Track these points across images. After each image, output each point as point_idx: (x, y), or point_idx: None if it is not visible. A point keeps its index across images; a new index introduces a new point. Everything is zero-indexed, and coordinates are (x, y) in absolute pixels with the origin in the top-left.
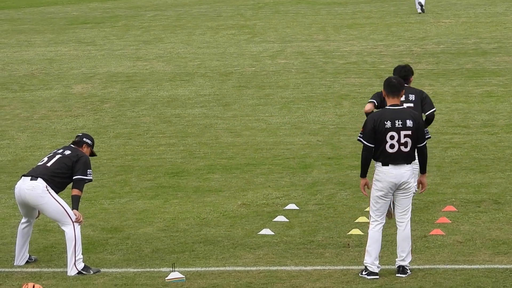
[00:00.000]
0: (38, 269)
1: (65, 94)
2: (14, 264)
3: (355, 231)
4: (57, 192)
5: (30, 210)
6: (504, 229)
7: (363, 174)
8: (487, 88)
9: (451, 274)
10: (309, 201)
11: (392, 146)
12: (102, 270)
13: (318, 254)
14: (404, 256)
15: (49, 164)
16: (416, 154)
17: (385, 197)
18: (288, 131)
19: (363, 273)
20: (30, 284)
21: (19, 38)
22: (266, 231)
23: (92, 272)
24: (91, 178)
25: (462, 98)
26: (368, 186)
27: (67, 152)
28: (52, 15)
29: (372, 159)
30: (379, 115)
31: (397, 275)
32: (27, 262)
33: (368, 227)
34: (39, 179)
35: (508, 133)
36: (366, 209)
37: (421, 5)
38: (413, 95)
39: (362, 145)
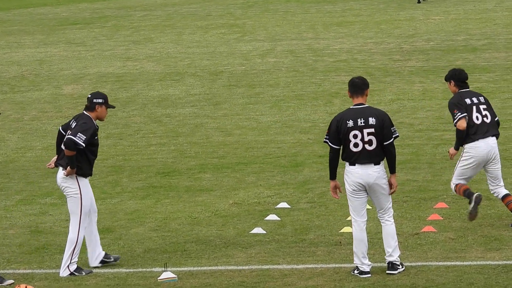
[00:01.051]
0: (30, 270)
1: (56, 95)
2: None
3: (347, 229)
4: (87, 174)
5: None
6: (495, 225)
7: (332, 176)
8: (478, 84)
9: (444, 271)
10: (300, 199)
11: (356, 145)
12: (94, 271)
13: (310, 252)
14: (391, 251)
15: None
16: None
17: (357, 195)
18: (278, 129)
19: (355, 271)
20: (23, 286)
21: (8, 40)
22: (258, 230)
23: (84, 274)
24: (80, 142)
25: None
26: (339, 188)
27: (73, 125)
28: (42, 16)
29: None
30: (342, 115)
31: (387, 271)
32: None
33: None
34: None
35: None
36: None
37: None
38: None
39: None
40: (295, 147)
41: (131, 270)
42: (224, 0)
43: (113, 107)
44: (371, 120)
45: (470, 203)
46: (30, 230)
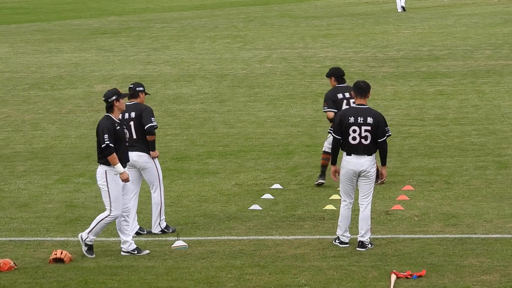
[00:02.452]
0: (65, 238)
1: (88, 92)
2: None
3: (329, 207)
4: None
5: (136, 178)
6: (453, 205)
7: (333, 162)
8: (439, 87)
9: (409, 242)
10: (291, 181)
11: (354, 138)
12: (119, 239)
13: (298, 225)
14: (363, 233)
15: (134, 136)
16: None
17: (349, 181)
18: (273, 123)
19: (336, 241)
20: (59, 251)
21: (49, 46)
22: (255, 207)
23: (171, 231)
24: (155, 124)
25: (418, 96)
26: (338, 172)
27: (133, 114)
28: (77, 26)
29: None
30: (345, 111)
31: (356, 248)
32: (137, 233)
33: (340, 204)
34: (144, 152)
35: (456, 125)
36: (338, 188)
37: (403, 7)
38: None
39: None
40: (287, 138)
41: (149, 239)
42: (229, 15)
43: (149, 94)
44: (369, 120)
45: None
46: (65, 204)
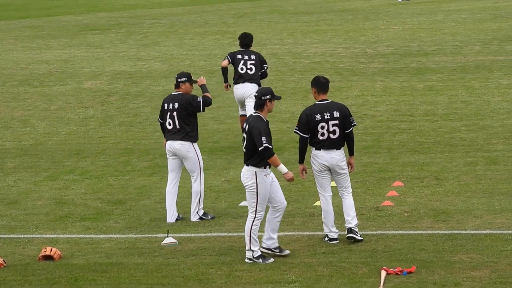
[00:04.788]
0: (54, 235)
1: (78, 89)
2: (167, 221)
3: (319, 203)
4: (197, 138)
5: (177, 166)
6: (443, 200)
7: (300, 160)
8: (429, 83)
9: (399, 239)
10: (281, 177)
11: (322, 134)
12: (108, 235)
13: (288, 222)
14: (349, 219)
15: (178, 125)
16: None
17: (322, 174)
18: None
19: (326, 239)
20: (48, 248)
21: (39, 42)
22: (245, 203)
23: (209, 218)
24: (200, 99)
25: (408, 91)
26: (305, 170)
27: (176, 105)
28: (66, 23)
29: (309, 145)
30: (311, 110)
31: (347, 236)
32: (176, 219)
33: (320, 200)
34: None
35: (446, 121)
36: None
37: None
38: (253, 55)
39: None
40: (277, 134)
41: (139, 235)
42: (219, 11)
43: (195, 81)
44: (335, 114)
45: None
46: (55, 201)
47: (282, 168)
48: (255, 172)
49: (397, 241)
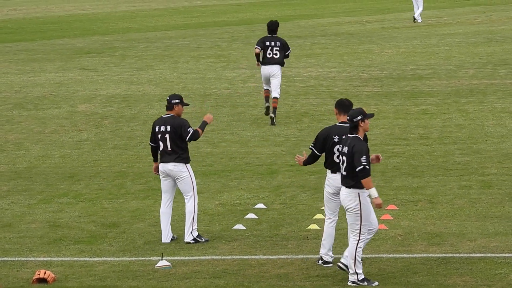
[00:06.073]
0: (48, 258)
1: (72, 112)
2: (162, 241)
3: (313, 226)
4: (189, 159)
5: (171, 187)
6: (437, 224)
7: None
8: (423, 107)
9: (393, 262)
10: (274, 201)
11: (338, 156)
12: (102, 258)
13: (282, 245)
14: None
15: (169, 148)
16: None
17: (335, 198)
18: (257, 142)
19: (319, 261)
20: (42, 271)
21: (33, 66)
22: (239, 226)
23: (203, 240)
24: (191, 130)
25: (402, 115)
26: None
27: (168, 127)
28: (61, 46)
29: (324, 168)
30: (329, 130)
31: (337, 263)
32: (171, 240)
33: (324, 223)
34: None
35: (440, 144)
36: (322, 208)
37: (413, 17)
38: (279, 42)
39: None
40: (270, 158)
41: (133, 258)
42: (213, 35)
43: (188, 104)
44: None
45: None
46: (49, 224)
47: (373, 192)
48: (358, 193)
49: (391, 265)
